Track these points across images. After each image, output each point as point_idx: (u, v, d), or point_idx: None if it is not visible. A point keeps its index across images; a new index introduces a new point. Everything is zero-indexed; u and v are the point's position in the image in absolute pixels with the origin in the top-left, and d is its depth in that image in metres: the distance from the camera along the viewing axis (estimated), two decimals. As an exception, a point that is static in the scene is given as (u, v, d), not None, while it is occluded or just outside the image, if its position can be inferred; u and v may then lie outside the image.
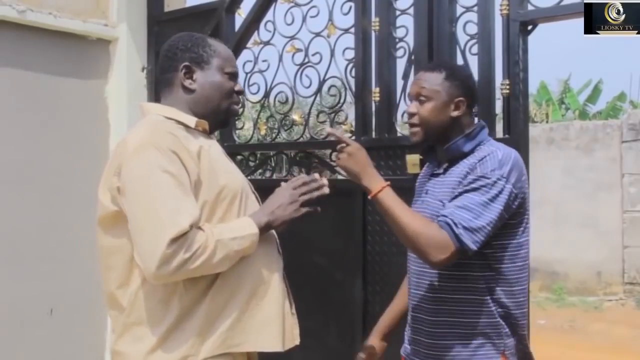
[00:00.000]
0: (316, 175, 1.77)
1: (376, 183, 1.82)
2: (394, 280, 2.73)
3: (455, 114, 1.87)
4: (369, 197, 1.82)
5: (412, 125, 1.90)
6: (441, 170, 1.90)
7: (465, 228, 1.67)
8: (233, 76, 1.79)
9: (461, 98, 1.87)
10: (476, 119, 2.07)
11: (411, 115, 1.90)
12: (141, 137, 1.62)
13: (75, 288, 3.31)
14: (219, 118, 1.79)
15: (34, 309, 3.20)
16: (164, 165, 1.55)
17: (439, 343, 1.83)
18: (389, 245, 2.75)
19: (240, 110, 1.91)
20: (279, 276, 1.78)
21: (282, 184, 1.77)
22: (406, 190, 2.67)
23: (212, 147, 1.73)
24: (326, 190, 1.75)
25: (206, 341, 1.61)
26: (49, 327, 3.24)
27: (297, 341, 1.83)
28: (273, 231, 1.80)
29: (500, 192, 1.71)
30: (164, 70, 1.78)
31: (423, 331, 1.87)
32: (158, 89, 1.77)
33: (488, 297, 1.78)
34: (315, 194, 1.74)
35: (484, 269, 1.78)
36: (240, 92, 1.82)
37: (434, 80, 1.87)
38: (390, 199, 1.80)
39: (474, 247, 1.68)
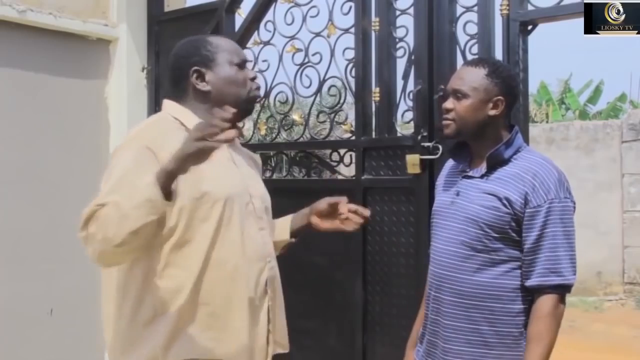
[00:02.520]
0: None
1: None
2: (394, 280, 2.74)
3: (492, 112, 1.83)
4: None
5: (445, 119, 1.87)
6: (477, 174, 1.86)
7: (568, 268, 1.74)
8: (243, 65, 1.78)
9: (500, 97, 1.83)
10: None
11: (447, 111, 1.86)
12: (135, 130, 1.70)
13: (75, 288, 3.31)
14: (242, 108, 1.75)
15: (34, 309, 3.20)
16: (132, 157, 1.58)
17: (455, 349, 1.81)
18: (389, 245, 2.75)
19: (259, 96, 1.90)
20: (257, 288, 1.71)
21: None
22: (406, 190, 2.69)
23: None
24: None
25: (173, 345, 1.60)
26: (49, 327, 3.24)
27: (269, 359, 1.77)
28: (268, 242, 1.76)
29: (571, 213, 1.77)
30: (176, 82, 1.77)
31: (441, 335, 1.85)
32: (164, 85, 1.79)
33: (518, 306, 1.78)
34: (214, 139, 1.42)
35: (521, 278, 1.78)
36: (255, 78, 1.80)
37: (474, 77, 1.83)
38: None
39: (575, 277, 1.76)
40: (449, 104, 1.86)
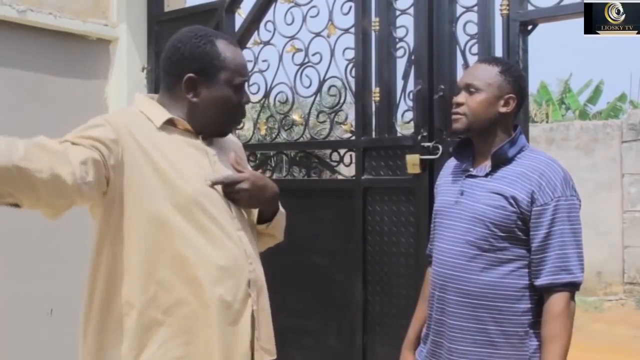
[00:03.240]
0: None
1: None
2: (394, 280, 2.74)
3: (503, 110, 1.84)
4: None
5: (456, 113, 1.87)
6: (481, 173, 1.86)
7: (577, 266, 1.75)
8: (241, 87, 1.67)
9: (512, 95, 1.85)
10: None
11: (458, 105, 1.86)
12: None
13: (75, 288, 3.29)
14: (217, 130, 1.70)
15: (34, 309, 3.20)
16: (92, 123, 1.55)
17: (460, 349, 1.81)
18: (389, 245, 2.75)
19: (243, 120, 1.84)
20: (237, 291, 1.61)
21: None
22: (406, 190, 2.69)
23: (174, 148, 1.62)
24: None
25: (145, 350, 1.54)
26: (49, 327, 3.24)
27: None
28: (245, 243, 1.66)
29: (577, 211, 1.78)
30: (166, 73, 1.67)
31: (446, 335, 1.85)
32: (158, 85, 1.74)
33: (524, 306, 1.78)
34: None
35: (527, 277, 1.79)
36: (247, 102, 1.71)
37: (487, 73, 1.85)
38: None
39: (583, 274, 1.77)
40: (461, 98, 1.86)
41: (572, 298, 1.76)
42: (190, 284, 1.56)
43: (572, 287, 1.75)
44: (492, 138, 1.86)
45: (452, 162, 2.01)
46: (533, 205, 1.75)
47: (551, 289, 1.74)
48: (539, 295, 1.78)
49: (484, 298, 1.78)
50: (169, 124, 1.64)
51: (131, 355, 1.55)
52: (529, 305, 1.78)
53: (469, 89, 1.85)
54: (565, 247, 1.74)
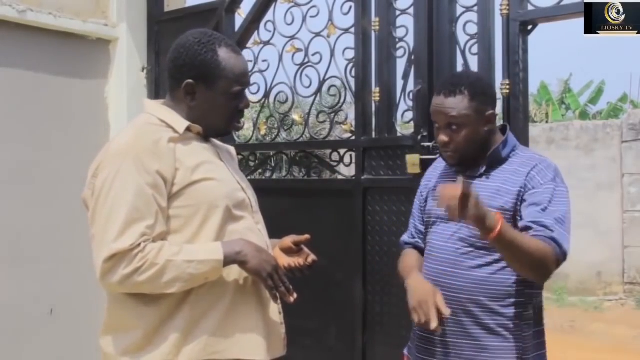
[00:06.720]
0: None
1: (494, 219, 1.65)
2: (394, 280, 2.73)
3: (488, 127, 1.86)
4: (493, 236, 1.62)
5: (445, 152, 1.87)
6: (477, 174, 1.88)
7: (566, 242, 1.73)
8: (240, 94, 1.71)
9: (491, 111, 1.86)
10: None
11: (445, 144, 1.85)
12: (125, 141, 1.62)
13: (75, 288, 3.31)
14: (216, 133, 1.77)
15: (34, 309, 3.20)
16: (134, 177, 1.55)
17: (456, 342, 1.83)
18: (389, 245, 2.75)
19: (242, 124, 1.90)
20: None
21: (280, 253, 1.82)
22: (406, 190, 2.69)
23: (201, 154, 1.69)
24: (290, 299, 1.70)
25: (185, 347, 1.59)
26: (49, 327, 3.24)
27: (284, 352, 1.79)
28: (264, 235, 1.79)
29: (569, 198, 1.81)
30: (170, 76, 1.73)
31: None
32: (164, 85, 1.75)
33: (514, 300, 1.80)
34: (280, 288, 1.67)
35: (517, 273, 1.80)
36: (245, 108, 1.76)
37: (460, 105, 1.81)
38: (510, 230, 1.67)
39: (567, 254, 1.75)
40: (445, 136, 1.84)
41: (556, 262, 1.70)
42: (227, 277, 1.67)
43: (559, 252, 1.71)
44: (485, 151, 1.89)
45: (441, 163, 2.03)
46: (526, 193, 1.78)
47: (537, 226, 1.72)
48: (526, 287, 1.80)
49: (474, 293, 1.81)
50: (187, 129, 1.69)
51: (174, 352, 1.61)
52: (520, 300, 1.80)
53: (451, 126, 1.83)
54: (563, 222, 1.73)
